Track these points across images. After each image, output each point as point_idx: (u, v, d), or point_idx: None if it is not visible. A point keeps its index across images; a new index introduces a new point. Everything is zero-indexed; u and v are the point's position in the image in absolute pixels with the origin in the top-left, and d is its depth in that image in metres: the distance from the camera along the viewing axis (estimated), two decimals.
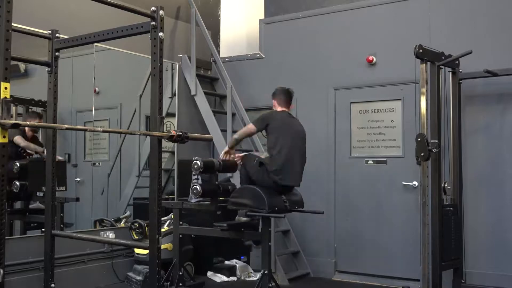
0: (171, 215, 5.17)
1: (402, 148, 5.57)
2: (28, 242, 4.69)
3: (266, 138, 4.50)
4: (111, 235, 5.30)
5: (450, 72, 4.89)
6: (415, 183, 5.36)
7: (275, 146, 4.33)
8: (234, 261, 5.85)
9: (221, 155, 4.63)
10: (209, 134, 5.67)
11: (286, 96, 4.70)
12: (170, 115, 6.26)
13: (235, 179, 5.07)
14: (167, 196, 6.20)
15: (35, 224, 5.27)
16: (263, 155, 4.61)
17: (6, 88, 2.52)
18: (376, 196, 5.65)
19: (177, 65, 6.28)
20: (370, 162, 5.75)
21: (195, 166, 4.35)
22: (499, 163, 5.05)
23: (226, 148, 4.64)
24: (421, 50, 4.42)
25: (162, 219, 4.95)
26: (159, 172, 3.08)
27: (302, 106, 6.19)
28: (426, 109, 4.50)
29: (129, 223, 5.44)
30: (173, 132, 3.06)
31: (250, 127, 4.56)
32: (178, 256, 4.81)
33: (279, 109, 4.65)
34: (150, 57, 3.10)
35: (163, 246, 4.05)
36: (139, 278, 5.10)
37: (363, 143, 5.86)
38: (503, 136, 5.06)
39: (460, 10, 5.32)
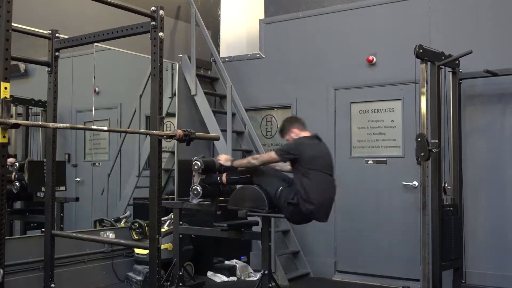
0: (171, 215, 5.17)
1: (402, 148, 5.57)
2: (28, 242, 4.69)
3: (292, 167, 4.18)
4: (111, 235, 5.30)
5: (450, 72, 4.89)
6: (415, 183, 5.36)
7: (309, 178, 4.01)
8: (234, 261, 5.84)
9: (222, 161, 4.39)
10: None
11: (300, 120, 4.43)
12: (170, 115, 6.25)
13: None
14: (167, 196, 6.20)
15: (35, 224, 5.27)
16: (286, 167, 4.35)
17: (6, 88, 2.53)
18: (376, 196, 5.65)
19: (177, 65, 6.28)
20: (370, 162, 5.75)
21: (195, 167, 4.35)
22: (499, 163, 5.05)
23: (229, 163, 4.35)
24: (421, 50, 4.42)
25: (162, 219, 4.95)
26: (159, 172, 3.08)
27: (302, 106, 6.19)
28: (426, 109, 4.50)
29: (129, 223, 5.45)
30: (179, 132, 3.05)
31: (273, 156, 4.15)
32: (178, 256, 4.81)
33: (303, 134, 4.32)
34: (150, 57, 3.11)
35: (163, 246, 4.06)
36: (139, 278, 5.10)
37: (363, 143, 5.86)
38: (503, 136, 5.06)
39: (460, 10, 5.32)
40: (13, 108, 5.04)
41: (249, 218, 4.56)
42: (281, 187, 4.12)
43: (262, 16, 6.72)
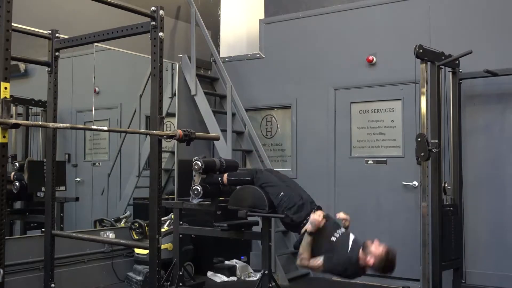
0: (171, 215, 5.17)
1: (402, 148, 5.57)
2: (28, 242, 4.69)
3: None
4: (111, 235, 5.30)
5: (450, 72, 4.90)
6: (415, 183, 5.36)
7: None
8: (234, 261, 5.84)
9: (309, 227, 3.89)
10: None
11: None
12: (170, 115, 6.25)
13: None
14: (167, 196, 6.20)
15: (35, 224, 5.27)
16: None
17: (6, 88, 2.52)
18: (376, 196, 5.65)
19: (177, 65, 6.28)
20: (370, 162, 5.75)
21: (196, 167, 4.35)
22: (499, 163, 5.05)
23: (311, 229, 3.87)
24: (421, 50, 4.43)
25: (162, 219, 4.95)
26: (159, 172, 3.08)
27: (302, 106, 6.19)
28: (426, 109, 4.50)
29: (129, 223, 5.45)
30: (179, 132, 3.05)
31: None
32: (178, 256, 4.81)
33: None
34: (150, 57, 3.10)
35: (163, 246, 4.05)
36: (139, 278, 5.10)
37: (363, 143, 5.86)
38: (503, 136, 5.06)
39: (460, 10, 5.32)
40: (13, 108, 5.04)
41: (249, 218, 4.56)
42: (282, 193, 4.10)
43: (262, 16, 6.72)
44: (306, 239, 3.85)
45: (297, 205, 4.06)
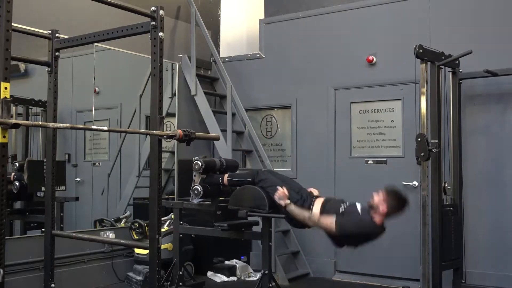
0: (171, 215, 5.17)
1: (402, 148, 5.57)
2: (28, 242, 4.69)
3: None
4: (111, 235, 5.30)
5: (450, 72, 4.90)
6: (415, 183, 5.36)
7: None
8: (234, 261, 5.85)
9: (277, 197, 4.01)
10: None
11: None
12: (170, 115, 6.26)
13: None
14: (167, 196, 6.20)
15: (35, 224, 5.28)
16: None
17: (6, 88, 2.52)
18: None
19: (177, 65, 6.28)
20: (370, 162, 5.75)
21: (196, 167, 4.35)
22: (499, 163, 5.05)
23: (283, 203, 3.97)
24: (421, 50, 4.42)
25: (162, 219, 4.95)
26: (159, 172, 3.08)
27: (302, 106, 6.19)
28: (426, 109, 4.50)
29: (129, 223, 5.45)
30: (179, 132, 3.05)
31: (332, 228, 3.77)
32: (178, 256, 4.81)
33: None
34: (150, 57, 3.10)
35: (163, 246, 4.05)
36: (139, 278, 5.10)
37: (363, 143, 5.86)
38: (503, 136, 5.06)
39: (460, 10, 5.32)
40: (13, 108, 5.04)
41: (249, 218, 4.56)
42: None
43: (262, 16, 6.72)
44: (291, 208, 3.94)
45: (298, 200, 4.07)
